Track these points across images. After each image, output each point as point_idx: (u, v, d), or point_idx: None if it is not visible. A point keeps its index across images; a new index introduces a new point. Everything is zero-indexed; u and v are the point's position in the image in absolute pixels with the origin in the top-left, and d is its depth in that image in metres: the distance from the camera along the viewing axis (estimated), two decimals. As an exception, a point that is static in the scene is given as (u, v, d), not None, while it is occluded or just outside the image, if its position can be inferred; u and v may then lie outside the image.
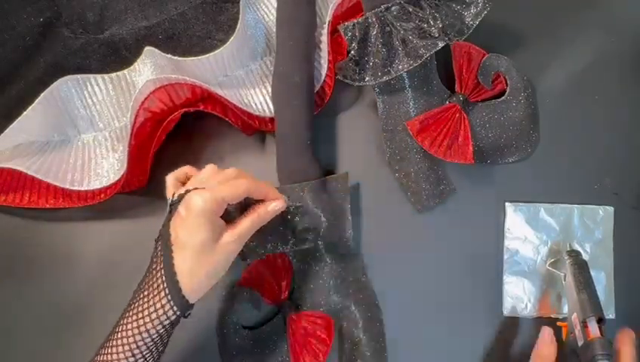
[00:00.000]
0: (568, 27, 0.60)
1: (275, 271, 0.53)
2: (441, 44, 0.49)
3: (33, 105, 0.49)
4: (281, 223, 0.49)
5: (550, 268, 0.55)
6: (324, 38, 0.53)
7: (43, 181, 0.49)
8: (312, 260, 0.53)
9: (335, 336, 0.52)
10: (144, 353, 0.40)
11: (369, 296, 0.54)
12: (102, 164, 0.52)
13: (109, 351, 0.40)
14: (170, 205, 0.43)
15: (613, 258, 0.56)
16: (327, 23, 0.53)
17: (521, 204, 0.56)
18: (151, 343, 0.40)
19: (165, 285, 0.40)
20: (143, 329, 0.40)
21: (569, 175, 0.57)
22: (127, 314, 0.41)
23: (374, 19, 0.50)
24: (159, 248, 0.41)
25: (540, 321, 0.55)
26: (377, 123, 0.55)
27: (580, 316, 0.48)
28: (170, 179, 0.46)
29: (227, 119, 0.52)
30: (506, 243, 0.56)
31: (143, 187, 0.54)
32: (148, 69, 0.52)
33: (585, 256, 0.55)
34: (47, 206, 0.52)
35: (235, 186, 0.42)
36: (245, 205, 0.45)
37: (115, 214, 0.54)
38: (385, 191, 0.55)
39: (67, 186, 0.49)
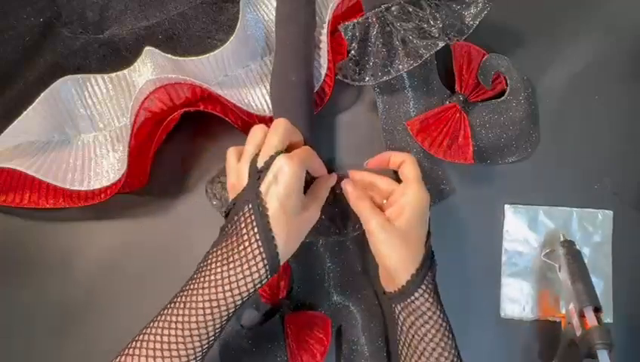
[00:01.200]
0: (568, 27, 0.60)
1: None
2: (441, 44, 0.49)
3: (33, 105, 0.49)
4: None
5: (545, 259, 0.55)
6: (324, 37, 0.53)
7: (43, 181, 0.49)
8: (311, 260, 0.53)
9: (334, 336, 0.52)
10: (230, 315, 0.41)
11: (368, 296, 0.54)
12: (102, 164, 0.52)
13: (192, 312, 0.39)
14: (257, 171, 0.42)
15: (612, 261, 0.56)
16: (327, 23, 0.53)
17: (520, 206, 0.56)
18: (238, 305, 0.40)
19: (261, 250, 0.40)
20: (237, 291, 0.40)
21: (569, 175, 0.57)
22: (208, 278, 0.40)
23: (374, 19, 0.50)
24: (248, 211, 0.41)
25: (538, 323, 0.55)
26: (377, 123, 0.55)
27: (576, 306, 0.49)
28: (233, 151, 0.46)
29: (227, 119, 0.52)
30: (505, 245, 0.56)
31: (142, 187, 0.54)
32: (148, 69, 0.52)
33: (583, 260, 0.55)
34: (47, 206, 0.52)
35: (310, 151, 0.45)
36: None
37: (115, 214, 0.54)
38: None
39: (67, 186, 0.49)
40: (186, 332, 0.39)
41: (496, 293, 0.55)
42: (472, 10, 0.51)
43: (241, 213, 0.41)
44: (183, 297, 0.40)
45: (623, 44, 0.60)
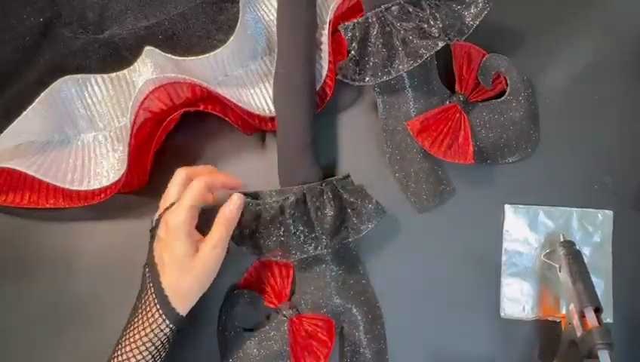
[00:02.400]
0: (568, 27, 0.60)
1: (276, 273, 0.53)
2: (441, 44, 0.49)
3: (33, 105, 0.49)
4: (271, 223, 0.49)
5: (545, 260, 0.55)
6: (325, 38, 0.53)
7: (43, 181, 0.49)
8: (313, 262, 0.53)
9: (336, 338, 0.52)
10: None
11: (370, 297, 0.54)
12: (102, 164, 0.52)
13: None
14: (151, 231, 0.46)
15: (612, 261, 0.56)
16: (327, 24, 0.53)
17: (520, 206, 0.56)
18: (150, 355, 0.43)
19: (156, 302, 0.43)
20: (140, 342, 0.43)
21: (569, 175, 0.57)
22: (124, 335, 0.44)
23: (374, 19, 0.50)
24: (147, 271, 0.44)
25: (538, 324, 0.55)
26: (377, 123, 0.55)
27: (576, 306, 0.49)
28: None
29: (227, 119, 0.52)
30: (505, 245, 0.56)
31: (143, 187, 0.54)
32: (148, 69, 0.52)
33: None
34: (47, 206, 0.52)
35: (192, 188, 0.45)
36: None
37: (115, 214, 0.54)
38: (385, 191, 0.55)
39: (67, 186, 0.49)
40: None
41: (496, 293, 0.55)
42: (472, 10, 0.51)
43: (143, 275, 0.45)
44: (112, 353, 0.44)
45: (623, 44, 0.59)
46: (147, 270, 0.45)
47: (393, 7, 0.50)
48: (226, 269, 0.53)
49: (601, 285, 0.55)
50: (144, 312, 0.43)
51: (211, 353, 0.52)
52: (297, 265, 0.53)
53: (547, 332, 0.55)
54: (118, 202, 0.53)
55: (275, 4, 0.52)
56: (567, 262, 0.51)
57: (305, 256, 0.49)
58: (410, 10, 0.50)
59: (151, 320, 0.43)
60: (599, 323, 0.47)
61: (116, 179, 0.50)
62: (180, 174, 0.47)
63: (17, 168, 0.48)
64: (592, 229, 0.56)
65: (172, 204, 0.45)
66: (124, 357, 0.43)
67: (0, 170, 0.51)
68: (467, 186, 0.56)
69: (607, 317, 0.55)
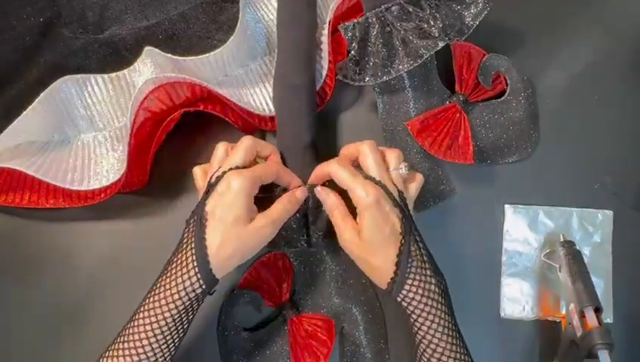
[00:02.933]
0: (568, 27, 0.60)
1: (276, 273, 0.53)
2: (441, 44, 0.49)
3: (33, 105, 0.49)
4: (296, 221, 0.49)
5: (545, 260, 0.55)
6: (325, 38, 0.53)
7: (43, 181, 0.49)
8: (313, 262, 0.53)
9: (336, 338, 0.52)
10: (170, 325, 0.41)
11: (370, 297, 0.54)
12: (102, 164, 0.52)
13: (137, 322, 0.42)
14: (209, 186, 0.44)
15: (612, 261, 0.56)
16: (327, 23, 0.53)
17: (520, 206, 0.56)
18: (177, 315, 0.41)
19: (195, 258, 0.41)
20: (170, 299, 0.41)
21: (569, 175, 0.57)
22: (155, 287, 0.42)
23: (374, 19, 0.50)
24: (192, 224, 0.43)
25: (538, 323, 0.55)
26: (377, 123, 0.55)
27: (576, 306, 0.48)
28: (198, 170, 0.48)
29: (227, 119, 0.52)
30: (505, 245, 0.56)
31: (143, 187, 0.54)
32: (148, 69, 0.52)
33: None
34: (47, 206, 0.52)
35: (269, 166, 0.45)
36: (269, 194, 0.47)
37: (115, 214, 0.54)
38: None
39: (67, 186, 0.49)
40: (137, 342, 0.41)
41: (496, 293, 0.55)
42: (472, 10, 0.51)
43: (186, 228, 0.43)
44: (139, 307, 0.43)
45: (623, 44, 0.59)
46: (192, 221, 0.43)
47: (393, 7, 0.50)
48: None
49: (601, 285, 0.55)
50: (179, 267, 0.41)
51: (211, 353, 0.52)
52: (297, 265, 0.53)
53: (547, 332, 0.55)
54: (118, 202, 0.53)
55: (275, 4, 0.52)
56: (566, 262, 0.51)
57: (292, 249, 0.49)
58: (410, 10, 0.50)
59: (185, 277, 0.41)
60: (599, 323, 0.47)
61: (116, 179, 0.49)
62: (248, 141, 0.46)
63: (17, 168, 0.48)
64: (592, 229, 0.56)
65: (237, 168, 0.43)
66: (148, 313, 0.41)
67: (0, 170, 0.51)
68: (467, 186, 0.56)
69: (607, 317, 0.55)
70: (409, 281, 0.42)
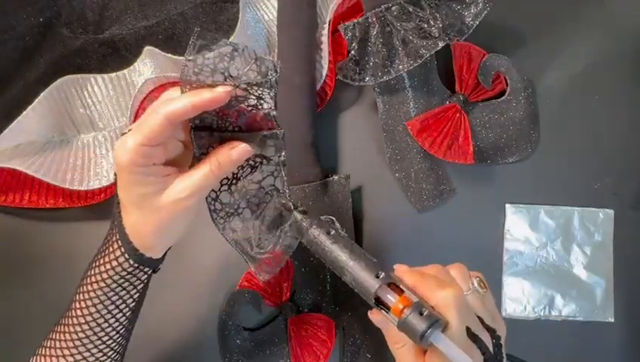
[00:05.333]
0: (568, 27, 0.60)
1: (276, 273, 0.53)
2: (441, 44, 0.49)
3: (33, 105, 0.49)
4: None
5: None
6: (325, 38, 0.53)
7: (43, 181, 0.49)
8: (313, 262, 0.53)
9: (336, 339, 0.51)
10: (108, 307, 0.39)
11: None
12: (102, 164, 0.52)
13: (74, 306, 0.40)
14: None
15: (613, 260, 0.56)
16: (327, 23, 0.53)
17: (521, 205, 0.56)
18: (113, 295, 0.38)
19: (117, 238, 0.37)
20: (100, 279, 0.38)
21: (569, 175, 0.57)
22: (86, 273, 0.40)
23: (374, 19, 0.50)
24: (115, 207, 0.38)
25: (539, 323, 0.55)
26: (377, 123, 0.55)
27: (367, 293, 0.36)
28: None
29: (227, 119, 0.52)
30: (506, 244, 0.56)
31: (142, 187, 0.54)
32: (148, 69, 0.52)
33: (585, 260, 0.54)
34: (47, 206, 0.52)
35: (146, 122, 0.33)
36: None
37: (115, 214, 0.54)
38: (385, 191, 0.55)
39: (67, 186, 0.49)
40: (77, 328, 0.39)
41: (498, 293, 0.55)
42: (472, 10, 0.51)
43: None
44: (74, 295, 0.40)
45: (623, 44, 0.60)
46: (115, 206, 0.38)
47: (393, 7, 0.50)
48: (227, 268, 0.53)
49: (602, 284, 0.55)
50: (105, 247, 0.38)
51: (211, 353, 0.52)
52: (298, 264, 0.53)
53: (548, 331, 0.55)
54: (118, 202, 0.53)
55: (275, 4, 0.52)
56: (326, 242, 0.39)
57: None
58: (410, 10, 0.50)
59: (111, 256, 0.37)
60: (404, 298, 0.34)
61: (116, 179, 0.49)
62: (167, 94, 0.36)
63: (17, 168, 0.48)
64: (594, 228, 0.56)
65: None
66: (84, 296, 0.39)
67: (0, 170, 0.51)
68: (467, 186, 0.56)
69: (609, 317, 0.55)
70: None
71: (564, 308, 0.55)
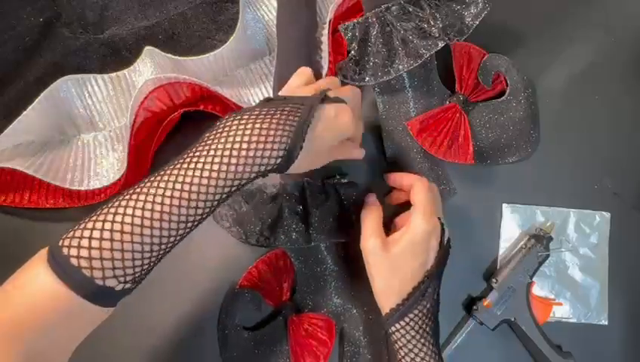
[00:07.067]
0: (568, 27, 0.60)
1: (277, 272, 0.53)
2: (441, 44, 0.49)
3: (33, 105, 0.49)
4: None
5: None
6: (325, 38, 0.53)
7: (43, 181, 0.49)
8: (314, 262, 0.53)
9: (336, 338, 0.52)
10: (231, 189, 0.37)
11: (370, 298, 0.53)
12: (102, 164, 0.52)
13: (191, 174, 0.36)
14: (323, 95, 0.41)
15: (608, 263, 0.56)
16: (327, 23, 0.53)
17: (518, 205, 0.56)
18: (234, 187, 0.37)
19: (290, 133, 0.37)
20: (251, 160, 0.36)
21: (569, 175, 0.57)
22: (230, 131, 0.37)
23: (374, 19, 0.50)
24: (299, 107, 0.39)
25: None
26: (377, 123, 0.55)
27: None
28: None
29: (227, 119, 0.52)
30: (502, 244, 0.56)
31: (142, 187, 0.54)
32: (148, 69, 0.52)
33: (579, 261, 0.54)
34: (47, 206, 0.52)
35: (360, 128, 0.47)
36: None
37: (115, 214, 0.54)
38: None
39: (67, 186, 0.49)
40: (184, 195, 0.36)
41: (497, 293, 0.55)
42: (472, 10, 0.51)
43: (294, 105, 0.39)
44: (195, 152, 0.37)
45: (623, 44, 0.60)
46: (306, 105, 0.39)
47: (393, 7, 0.50)
48: (227, 268, 0.53)
49: (597, 286, 0.55)
50: (270, 133, 0.37)
51: (211, 352, 0.52)
52: (298, 264, 0.53)
53: (546, 331, 0.55)
54: (118, 202, 0.53)
55: (275, 4, 0.52)
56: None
57: (284, 245, 0.50)
58: (410, 10, 0.50)
59: (275, 145, 0.37)
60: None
61: (116, 178, 0.50)
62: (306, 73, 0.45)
63: (17, 168, 0.48)
64: (589, 231, 0.56)
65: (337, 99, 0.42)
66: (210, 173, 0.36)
67: (0, 170, 0.51)
68: (467, 186, 0.56)
69: (602, 319, 0.55)
70: (410, 316, 0.42)
71: (558, 310, 0.55)
